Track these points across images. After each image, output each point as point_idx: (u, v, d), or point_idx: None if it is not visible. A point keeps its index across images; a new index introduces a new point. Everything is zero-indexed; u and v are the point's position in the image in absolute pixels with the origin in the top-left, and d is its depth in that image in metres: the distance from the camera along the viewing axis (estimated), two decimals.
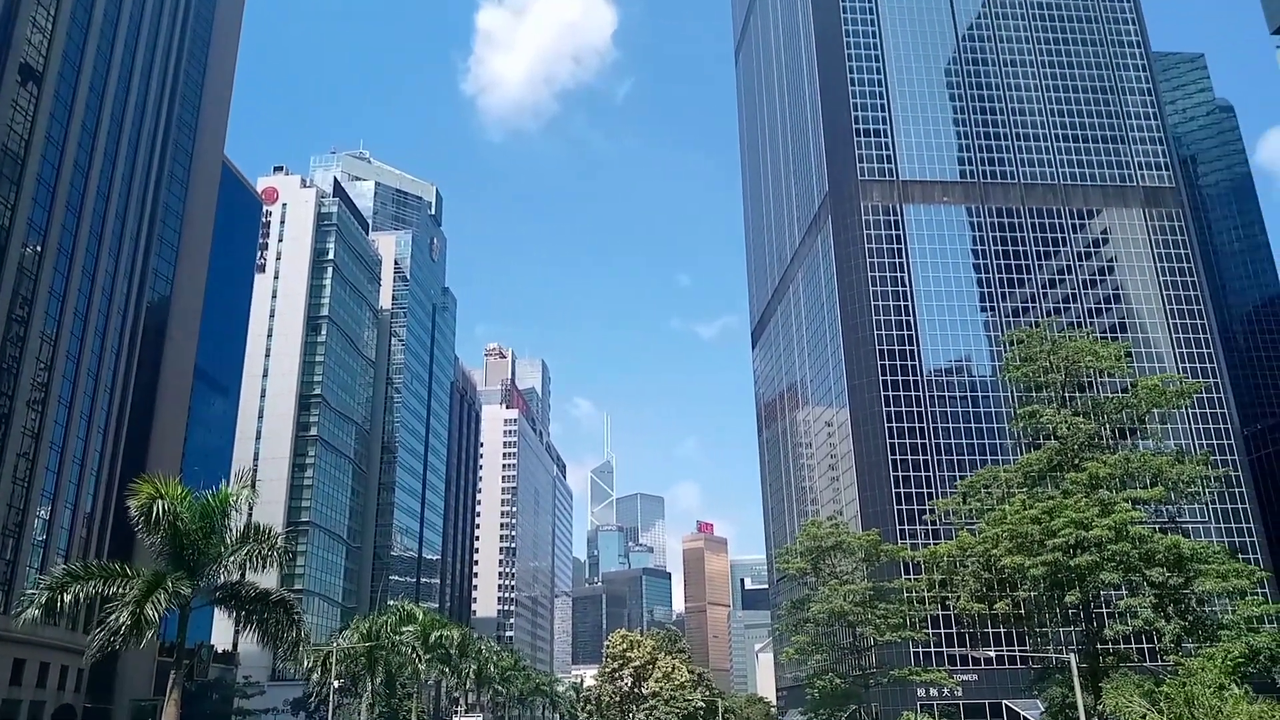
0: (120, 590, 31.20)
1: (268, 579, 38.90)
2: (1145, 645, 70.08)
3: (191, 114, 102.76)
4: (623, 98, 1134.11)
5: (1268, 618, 51.96)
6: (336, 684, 65.62)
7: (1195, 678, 39.80)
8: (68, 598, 31.09)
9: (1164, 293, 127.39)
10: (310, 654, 63.18)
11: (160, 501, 31.57)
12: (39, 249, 73.93)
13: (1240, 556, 58.11)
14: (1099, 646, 56.46)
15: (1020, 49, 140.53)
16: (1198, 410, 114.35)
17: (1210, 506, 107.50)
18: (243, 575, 34.70)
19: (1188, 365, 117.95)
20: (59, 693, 76.18)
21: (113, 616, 30.08)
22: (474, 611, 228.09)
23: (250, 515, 34.36)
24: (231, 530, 33.70)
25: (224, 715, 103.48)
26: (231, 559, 33.34)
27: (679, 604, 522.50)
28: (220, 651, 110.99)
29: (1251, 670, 45.96)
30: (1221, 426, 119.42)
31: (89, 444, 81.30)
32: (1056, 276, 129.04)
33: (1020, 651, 69.81)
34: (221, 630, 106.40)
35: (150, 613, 29.77)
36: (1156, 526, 55.04)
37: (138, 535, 35.65)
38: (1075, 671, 46.43)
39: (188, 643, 34.60)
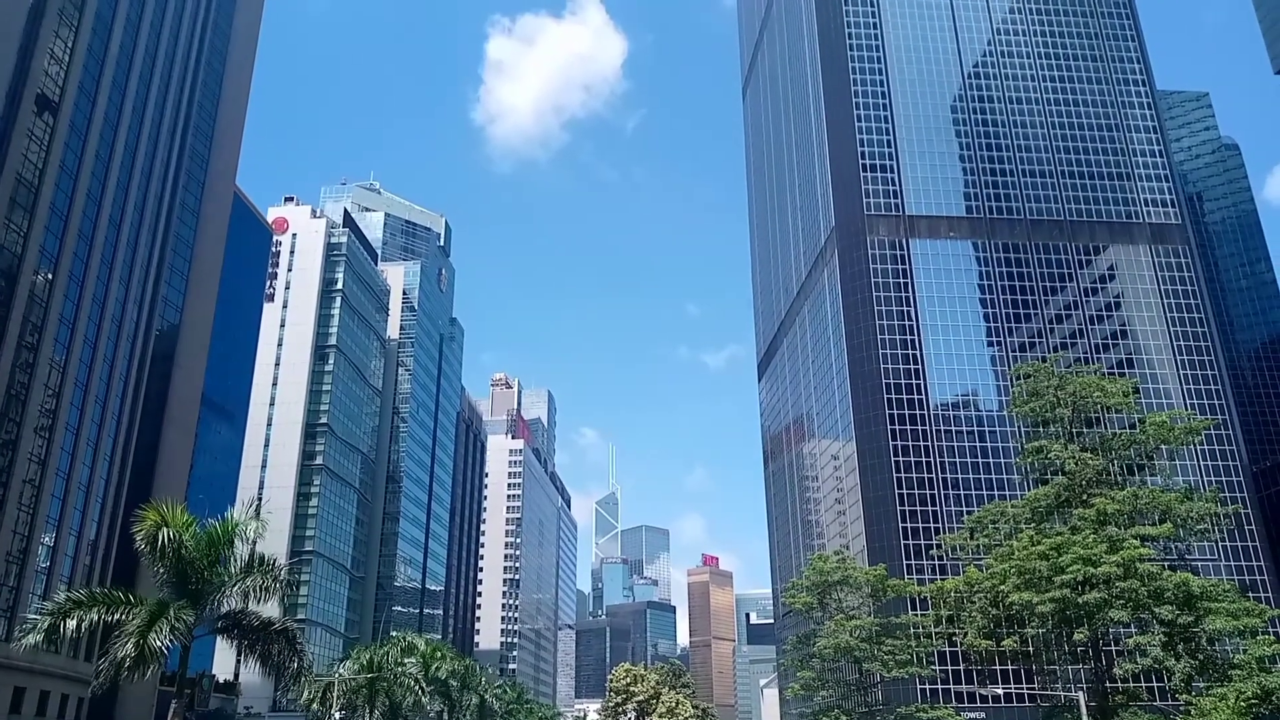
0: (123, 618, 31.14)
1: (270, 608, 38.76)
2: (1155, 684, 69.25)
3: (204, 145, 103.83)
4: (632, 129, 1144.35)
5: (1279, 657, 51.35)
6: (338, 715, 65.11)
7: (1207, 718, 39.30)
8: (70, 625, 31.06)
9: (1171, 329, 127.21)
10: (312, 685, 62.81)
11: (165, 529, 31.64)
12: (50, 276, 74.45)
13: (1249, 595, 57.59)
14: (1108, 685, 55.87)
15: (1026, 86, 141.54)
16: (1206, 447, 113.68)
17: (1219, 544, 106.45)
18: (246, 604, 34.64)
19: (1195, 402, 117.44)
20: None
21: (117, 647, 29.98)
22: (477, 643, 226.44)
23: (254, 544, 34.30)
24: (236, 559, 33.67)
25: None
26: (235, 588, 33.31)
27: (683, 638, 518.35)
28: (221, 681, 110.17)
29: (1264, 711, 45.34)
30: (1230, 463, 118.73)
31: (95, 471, 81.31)
32: (1063, 312, 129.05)
33: (1029, 689, 69.08)
34: (223, 660, 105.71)
35: (155, 643, 29.67)
36: (1165, 564, 54.61)
37: (141, 563, 35.66)
38: (1084, 710, 45.90)
39: (189, 672, 34.40)
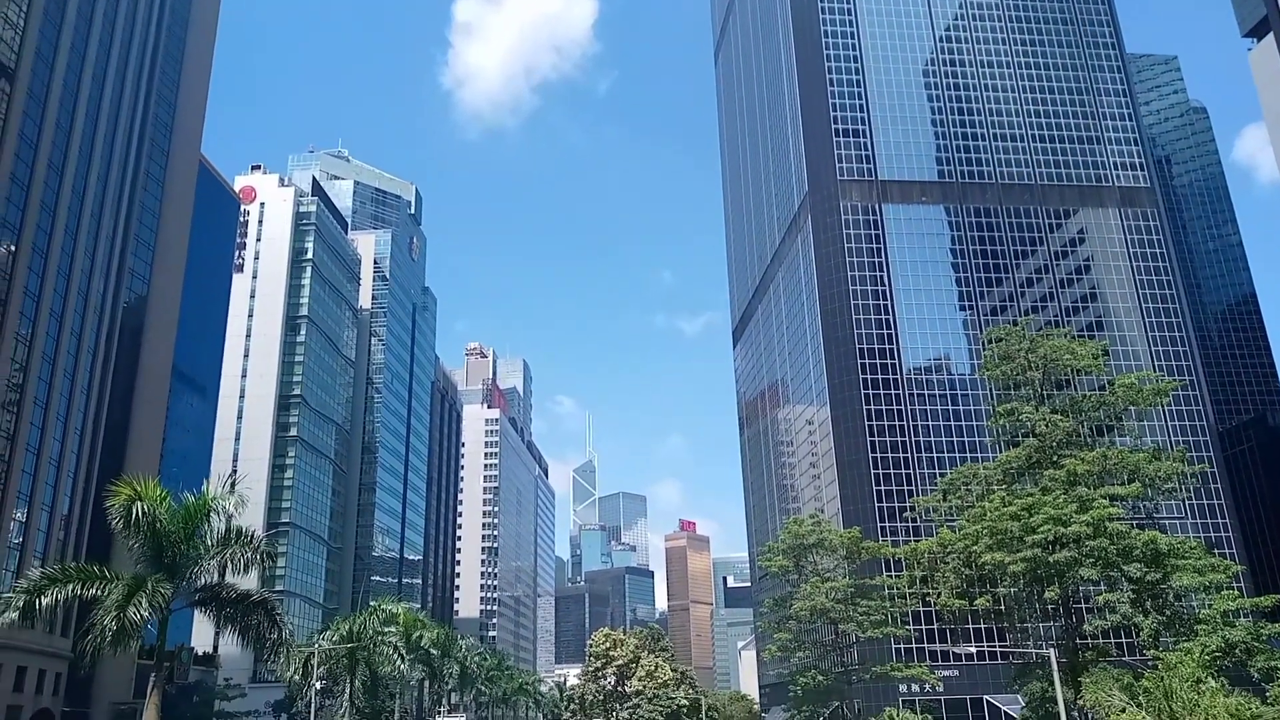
0: (99, 593, 31.00)
1: (248, 580, 38.67)
2: (1124, 640, 70.80)
3: (167, 112, 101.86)
4: (604, 92, 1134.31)
5: (1242, 612, 52.70)
6: (318, 685, 65.28)
7: (1173, 671, 40.22)
8: (45, 601, 30.86)
9: (1140, 291, 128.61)
10: (292, 656, 62.83)
11: (139, 503, 31.40)
12: (13, 248, 73.11)
13: (1215, 551, 58.85)
14: (1078, 642, 57.05)
15: (997, 50, 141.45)
16: (1174, 407, 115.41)
17: (1186, 502, 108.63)
18: (223, 577, 34.54)
19: (1163, 363, 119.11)
20: (37, 697, 75.35)
21: (98, 622, 29.87)
22: (456, 612, 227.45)
23: (230, 518, 34.11)
24: (212, 532, 33.51)
25: (205, 718, 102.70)
26: (212, 561, 33.19)
27: (662, 602, 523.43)
28: (200, 654, 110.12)
29: (1227, 664, 46.49)
30: (1197, 423, 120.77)
31: (65, 446, 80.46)
32: (1034, 275, 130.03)
33: (1001, 647, 70.36)
34: (201, 632, 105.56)
35: (134, 616, 29.57)
36: (1134, 522, 55.64)
37: (116, 537, 35.41)
38: (1055, 666, 46.82)
39: (167, 645, 34.34)
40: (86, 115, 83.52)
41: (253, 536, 34.22)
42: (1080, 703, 50.04)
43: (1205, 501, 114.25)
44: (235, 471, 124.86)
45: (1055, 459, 57.14)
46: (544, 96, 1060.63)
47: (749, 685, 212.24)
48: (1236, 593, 52.50)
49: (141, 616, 29.93)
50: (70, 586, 31.29)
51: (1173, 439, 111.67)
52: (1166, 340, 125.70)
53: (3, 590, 64.53)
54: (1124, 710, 39.17)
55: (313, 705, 63.88)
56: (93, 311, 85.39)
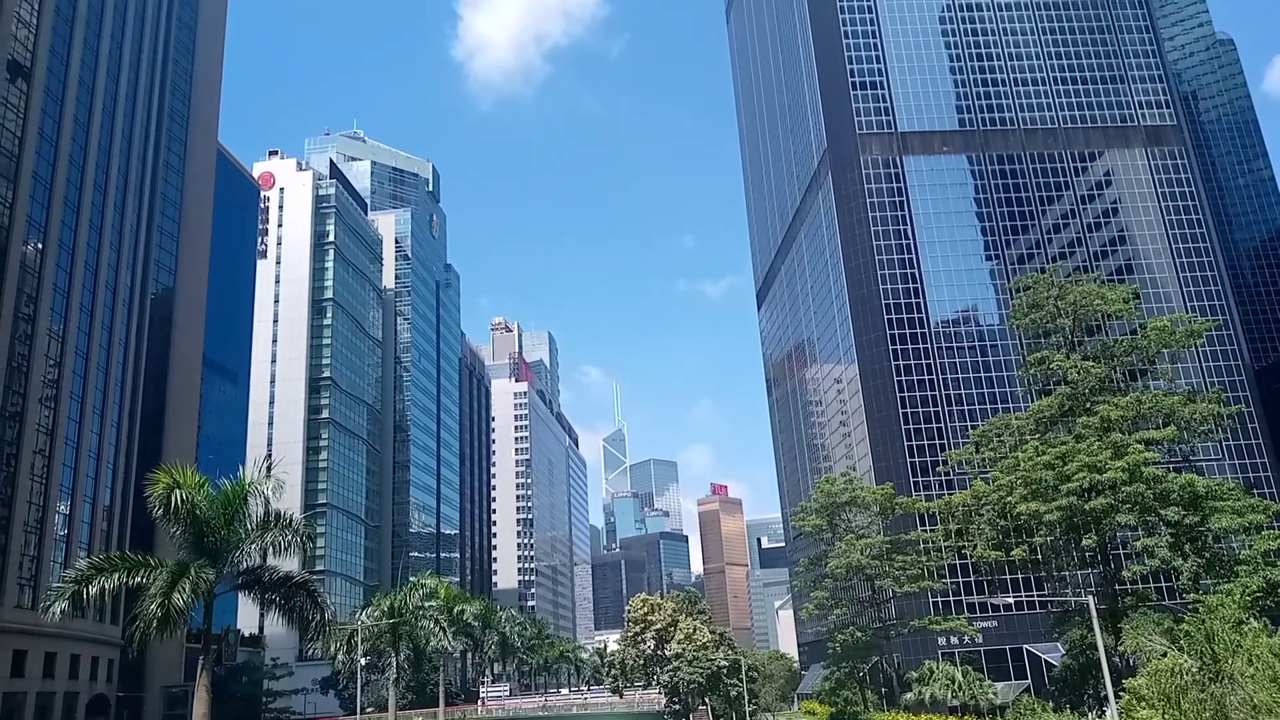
0: (145, 580, 31.54)
1: (289, 562, 39.24)
2: (1164, 584, 70.42)
3: (182, 102, 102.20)
4: (616, 55, 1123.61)
5: None
6: (363, 661, 66.45)
7: (1214, 614, 40.00)
8: (93, 590, 31.43)
9: (1169, 231, 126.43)
10: (335, 634, 63.94)
11: (178, 491, 31.85)
12: (40, 246, 73.92)
13: (1254, 492, 58.19)
14: (1117, 588, 56.82)
15: None
16: (1208, 348, 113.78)
17: (1223, 444, 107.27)
18: (264, 560, 35.05)
19: (1196, 304, 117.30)
20: (91, 683, 77.27)
21: (144, 609, 30.46)
22: (495, 584, 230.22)
23: (268, 501, 34.55)
24: (251, 517, 33.94)
25: (254, 697, 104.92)
26: (253, 545, 33.67)
27: (697, 566, 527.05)
28: (247, 635, 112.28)
29: (1270, 604, 46.12)
30: (1232, 363, 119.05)
31: (103, 437, 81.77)
32: (1061, 221, 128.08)
33: (1039, 596, 70.30)
34: (247, 614, 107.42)
35: (179, 602, 30.13)
36: (1170, 466, 55.09)
37: (158, 525, 36.03)
38: (1094, 613, 46.64)
39: (214, 628, 34.96)
40: (104, 110, 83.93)
41: (291, 519, 34.64)
42: (1121, 648, 49.89)
43: (1242, 442, 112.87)
44: (270, 455, 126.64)
45: (1088, 406, 56.64)
46: (556, 63, 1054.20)
47: (787, 644, 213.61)
48: (1277, 532, 51.96)
49: (185, 602, 30.47)
50: (116, 575, 31.84)
51: (1207, 380, 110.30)
52: (1198, 280, 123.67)
53: (52, 581, 66.03)
54: (1165, 654, 38.95)
55: (358, 680, 65.09)
56: (122, 304, 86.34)
